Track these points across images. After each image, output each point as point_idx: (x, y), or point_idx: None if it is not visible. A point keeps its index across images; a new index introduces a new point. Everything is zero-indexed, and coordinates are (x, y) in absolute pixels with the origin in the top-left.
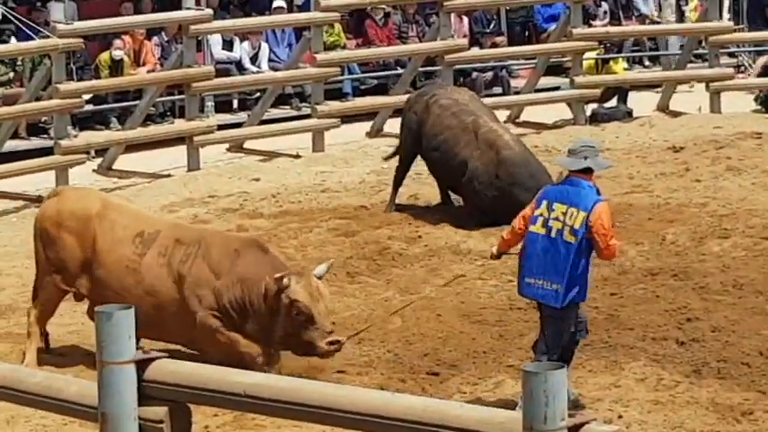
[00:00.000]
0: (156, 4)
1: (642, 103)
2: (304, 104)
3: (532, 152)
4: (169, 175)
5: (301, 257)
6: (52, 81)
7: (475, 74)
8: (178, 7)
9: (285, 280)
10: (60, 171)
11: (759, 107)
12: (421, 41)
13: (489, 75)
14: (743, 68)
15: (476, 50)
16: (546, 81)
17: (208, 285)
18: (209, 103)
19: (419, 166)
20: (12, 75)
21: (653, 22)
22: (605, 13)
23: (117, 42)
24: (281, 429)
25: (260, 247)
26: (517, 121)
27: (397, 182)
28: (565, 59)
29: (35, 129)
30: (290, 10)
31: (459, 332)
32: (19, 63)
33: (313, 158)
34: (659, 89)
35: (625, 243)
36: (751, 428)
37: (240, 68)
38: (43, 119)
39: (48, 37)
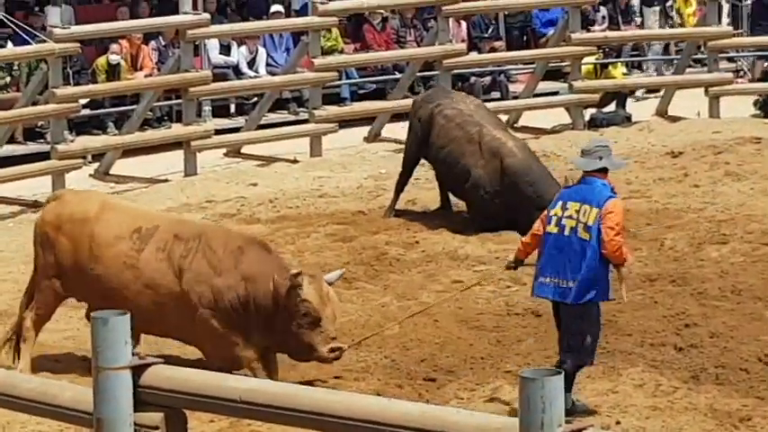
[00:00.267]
0: (153, 8)
1: (641, 108)
2: (302, 109)
3: (538, 158)
4: (166, 180)
5: (298, 263)
6: (49, 85)
7: (473, 78)
8: (175, 12)
9: (299, 278)
10: (57, 176)
11: (758, 112)
12: (419, 46)
13: (488, 79)
14: (742, 73)
15: (474, 55)
16: (544, 86)
17: (208, 281)
18: (207, 108)
19: (417, 170)
20: (8, 79)
21: None
22: (604, 18)
23: (113, 47)
24: None
25: (263, 246)
26: (515, 125)
27: (399, 187)
28: (563, 64)
29: (32, 133)
30: (288, 14)
31: (457, 338)
32: (15, 67)
33: (311, 163)
34: (658, 94)
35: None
36: None
37: (238, 73)
38: (40, 123)
39: (44, 41)
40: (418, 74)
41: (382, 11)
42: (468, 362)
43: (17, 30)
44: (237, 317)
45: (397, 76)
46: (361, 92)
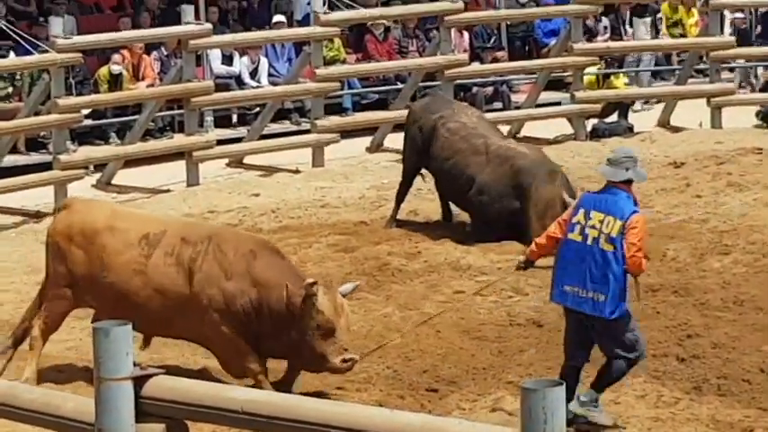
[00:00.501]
0: (155, 18)
1: (643, 118)
2: (304, 119)
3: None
4: (168, 191)
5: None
6: (51, 96)
7: (475, 89)
8: (177, 22)
9: (314, 287)
10: (59, 186)
11: (760, 122)
12: (421, 56)
13: (490, 90)
14: (743, 84)
15: (476, 65)
16: (546, 96)
17: (219, 284)
18: (209, 118)
19: (418, 181)
20: (10, 89)
21: None
22: (606, 28)
23: (116, 57)
24: None
25: (275, 250)
26: (517, 136)
27: (400, 197)
28: (565, 74)
29: (34, 144)
30: (290, 25)
31: (459, 348)
32: (18, 78)
33: (313, 173)
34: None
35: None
36: None
37: (240, 83)
38: (42, 134)
39: (46, 51)
40: (420, 84)
41: (384, 21)
42: (470, 372)
43: (19, 40)
44: (249, 322)
45: (400, 86)
46: (364, 102)
